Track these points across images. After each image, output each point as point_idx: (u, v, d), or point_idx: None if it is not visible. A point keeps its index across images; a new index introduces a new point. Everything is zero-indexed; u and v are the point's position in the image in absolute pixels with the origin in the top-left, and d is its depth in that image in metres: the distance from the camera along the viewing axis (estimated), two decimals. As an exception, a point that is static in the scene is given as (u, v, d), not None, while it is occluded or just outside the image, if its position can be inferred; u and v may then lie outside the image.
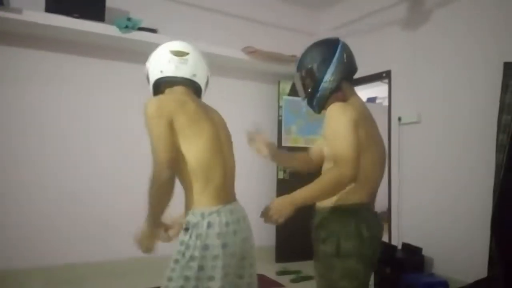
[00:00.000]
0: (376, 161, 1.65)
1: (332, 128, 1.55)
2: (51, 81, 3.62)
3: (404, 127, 4.00)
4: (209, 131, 1.51)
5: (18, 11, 3.19)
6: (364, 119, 1.60)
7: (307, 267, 4.14)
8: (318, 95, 1.66)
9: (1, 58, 3.46)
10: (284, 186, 4.54)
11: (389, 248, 3.79)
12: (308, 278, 3.87)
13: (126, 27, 3.61)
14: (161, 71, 1.58)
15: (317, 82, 1.64)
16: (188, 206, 1.50)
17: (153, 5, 4.08)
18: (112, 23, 3.60)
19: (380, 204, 7.34)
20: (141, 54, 4.01)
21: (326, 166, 1.69)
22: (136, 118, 3.97)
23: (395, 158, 4.06)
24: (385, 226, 4.58)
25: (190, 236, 1.41)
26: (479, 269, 3.04)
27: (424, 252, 3.57)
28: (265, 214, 1.48)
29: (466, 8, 3.50)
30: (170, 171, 1.37)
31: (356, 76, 1.77)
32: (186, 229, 1.43)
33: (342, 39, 1.72)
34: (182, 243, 1.43)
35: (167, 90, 1.61)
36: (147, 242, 1.51)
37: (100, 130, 3.79)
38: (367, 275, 1.64)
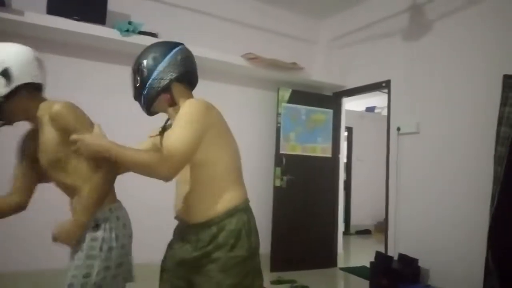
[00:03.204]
0: (235, 155, 1.60)
1: (179, 116, 1.44)
2: (50, 83, 3.61)
3: (403, 137, 4.00)
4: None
5: (20, 12, 3.20)
6: (217, 115, 1.53)
7: (302, 276, 4.11)
8: (144, 92, 1.56)
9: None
10: (281, 194, 4.53)
11: (386, 258, 3.77)
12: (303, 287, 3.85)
13: (127, 30, 3.61)
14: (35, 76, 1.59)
15: (144, 78, 1.55)
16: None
17: (154, 10, 4.09)
18: (113, 26, 3.61)
19: (377, 214, 7.29)
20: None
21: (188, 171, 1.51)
22: (136, 121, 3.97)
23: (393, 168, 4.05)
24: (382, 237, 4.58)
25: (104, 230, 1.52)
26: (475, 281, 3.03)
27: (420, 263, 3.55)
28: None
29: (466, 19, 3.53)
30: None
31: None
32: (97, 226, 1.53)
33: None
34: (95, 239, 1.51)
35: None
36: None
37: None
38: None
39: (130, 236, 1.63)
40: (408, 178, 3.93)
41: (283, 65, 4.51)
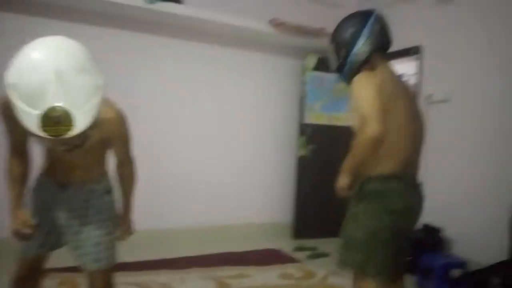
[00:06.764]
0: (401, 130, 1.67)
1: (355, 97, 1.59)
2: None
3: (433, 105, 3.88)
4: None
5: (46, -21, 3.21)
6: (388, 86, 1.63)
7: (323, 244, 4.16)
8: (347, 66, 1.68)
9: (27, 28, 3.50)
10: (305, 163, 4.53)
11: (409, 228, 3.76)
12: (324, 255, 3.90)
13: (152, -3, 3.58)
14: None
15: (346, 53, 1.65)
16: None
17: (178, -25, 4.02)
18: (138, -7, 3.58)
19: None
20: (166, 26, 4.03)
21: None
22: (165, 89, 3.99)
23: (421, 138, 3.96)
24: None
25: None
26: (500, 252, 3.00)
27: (445, 233, 3.53)
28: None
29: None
30: None
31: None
32: (108, 192, 1.90)
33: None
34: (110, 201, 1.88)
35: None
36: None
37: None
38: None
39: None
40: (436, 147, 3.82)
41: (311, 30, 4.39)
